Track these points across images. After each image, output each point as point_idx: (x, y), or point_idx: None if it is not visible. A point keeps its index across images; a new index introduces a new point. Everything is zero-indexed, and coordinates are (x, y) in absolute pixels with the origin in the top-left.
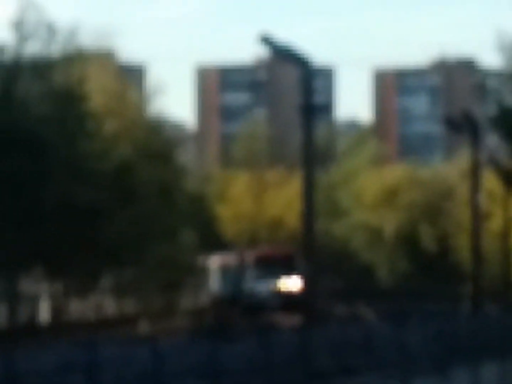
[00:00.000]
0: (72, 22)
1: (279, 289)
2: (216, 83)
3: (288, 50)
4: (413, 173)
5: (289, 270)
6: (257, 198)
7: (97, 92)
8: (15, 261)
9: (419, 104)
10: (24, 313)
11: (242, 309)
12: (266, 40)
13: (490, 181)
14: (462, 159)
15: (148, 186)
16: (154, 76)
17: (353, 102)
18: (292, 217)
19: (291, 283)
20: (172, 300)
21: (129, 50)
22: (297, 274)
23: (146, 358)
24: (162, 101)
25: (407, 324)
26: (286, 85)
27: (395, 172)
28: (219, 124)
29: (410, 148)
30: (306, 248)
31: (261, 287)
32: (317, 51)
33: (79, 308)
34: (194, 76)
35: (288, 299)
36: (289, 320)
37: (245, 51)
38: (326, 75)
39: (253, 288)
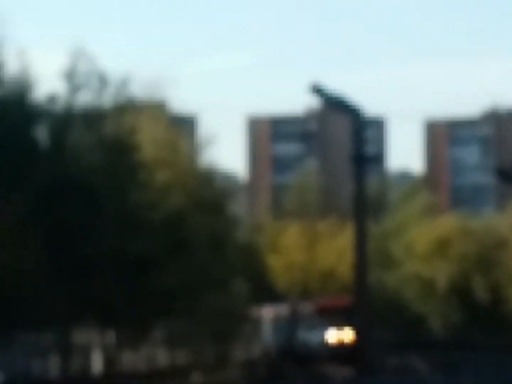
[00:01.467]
0: (124, 72)
1: (332, 340)
2: (268, 133)
3: (340, 100)
4: (465, 224)
5: (349, 321)
6: (309, 248)
7: (149, 142)
8: (68, 313)
9: (471, 154)
10: (76, 365)
11: (295, 361)
12: (317, 90)
13: None
14: None
15: (200, 237)
16: (206, 127)
17: (405, 153)
18: (344, 268)
19: (344, 334)
20: (224, 351)
21: (181, 101)
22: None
23: None
24: (214, 151)
25: (460, 374)
26: (337, 135)
27: (447, 223)
28: (270, 175)
29: (462, 199)
30: (358, 300)
31: (315, 338)
32: (368, 102)
33: (131, 359)
34: (246, 126)
35: (340, 350)
36: (342, 372)
37: (297, 101)
38: (377, 125)
39: (306, 339)
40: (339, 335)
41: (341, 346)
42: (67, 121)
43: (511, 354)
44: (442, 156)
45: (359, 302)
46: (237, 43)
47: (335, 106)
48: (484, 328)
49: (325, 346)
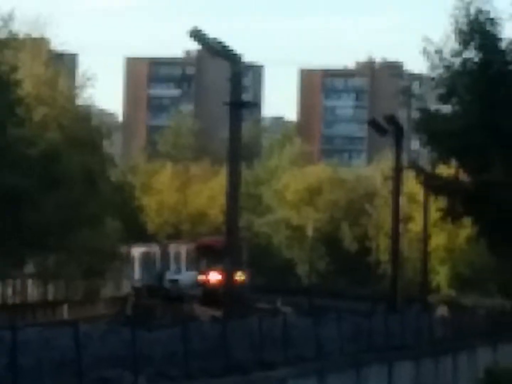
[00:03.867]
0: (6, 9)
1: (201, 281)
2: (145, 75)
3: (218, 46)
4: (335, 173)
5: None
6: (182, 190)
7: (28, 79)
8: None
9: (344, 105)
10: None
11: (163, 299)
12: (197, 35)
13: (412, 184)
14: (385, 162)
15: (75, 174)
16: (85, 66)
17: (280, 101)
18: (215, 211)
19: (213, 276)
20: (94, 287)
21: (62, 39)
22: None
23: (67, 344)
24: (92, 90)
25: (325, 320)
26: (214, 80)
27: (318, 172)
28: (146, 116)
29: (334, 149)
30: (228, 243)
31: (185, 279)
32: (247, 49)
33: (2, 292)
34: (124, 67)
35: (209, 291)
36: (210, 312)
37: (176, 45)
38: (254, 72)
39: (176, 279)
40: (213, 276)
41: (212, 287)
42: None
43: (375, 303)
44: (316, 105)
45: (229, 245)
46: None
47: (213, 51)
48: (350, 277)
49: (195, 286)
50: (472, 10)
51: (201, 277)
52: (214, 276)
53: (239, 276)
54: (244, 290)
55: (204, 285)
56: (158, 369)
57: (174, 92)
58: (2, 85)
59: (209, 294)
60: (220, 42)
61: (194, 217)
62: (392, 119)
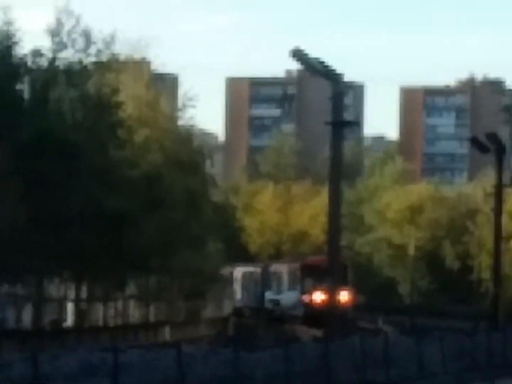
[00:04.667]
0: (108, 31)
1: (306, 301)
2: (247, 95)
3: (319, 65)
4: (437, 191)
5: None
6: (283, 211)
7: (130, 100)
8: (43, 265)
9: (445, 123)
10: (49, 317)
11: (265, 320)
12: (298, 55)
13: None
14: (486, 179)
15: (176, 195)
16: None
17: (381, 119)
18: (316, 231)
19: (317, 296)
20: (195, 308)
21: (163, 60)
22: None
23: (169, 365)
24: (193, 111)
25: (427, 339)
26: (315, 100)
27: (419, 190)
28: (247, 136)
29: (435, 167)
30: (331, 262)
31: (286, 299)
32: (347, 67)
33: (103, 314)
34: (225, 87)
35: (312, 311)
36: (313, 332)
37: (277, 65)
38: (355, 91)
39: (278, 299)
40: (318, 296)
41: (316, 308)
42: (51, 77)
43: (477, 321)
44: (417, 123)
45: (331, 264)
46: (221, 4)
47: (314, 71)
48: (452, 295)
49: (297, 306)
50: None
51: (306, 297)
52: (319, 296)
53: (343, 296)
54: (348, 309)
55: (308, 305)
56: None
57: (275, 112)
58: (104, 108)
59: (313, 315)
60: (321, 62)
61: (296, 236)
62: (493, 137)
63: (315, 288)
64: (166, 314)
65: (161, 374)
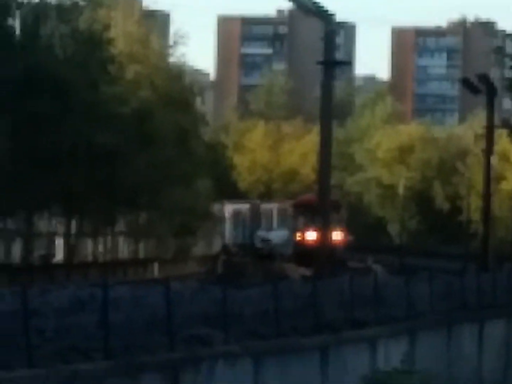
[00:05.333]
0: None
1: (298, 240)
2: (238, 33)
3: (311, 4)
4: (427, 132)
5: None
6: (273, 149)
7: (121, 37)
8: (33, 200)
9: (437, 64)
10: (39, 252)
11: (254, 257)
12: None
13: (504, 143)
14: (477, 120)
15: (167, 132)
16: (178, 24)
17: (372, 59)
18: (307, 170)
19: (310, 235)
20: (185, 246)
21: None
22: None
23: (157, 301)
24: (184, 49)
25: (416, 279)
26: (307, 39)
27: (410, 130)
28: (238, 75)
29: (426, 108)
30: (321, 201)
31: (276, 237)
32: (338, 7)
33: (93, 249)
34: (216, 26)
35: (304, 249)
36: (302, 271)
37: (268, 3)
38: (346, 31)
39: (267, 237)
40: (310, 235)
41: (306, 246)
42: (42, 12)
43: (466, 261)
44: (408, 64)
45: (321, 203)
46: None
47: (306, 10)
48: (442, 235)
49: (287, 244)
50: None
51: (298, 236)
52: (311, 235)
53: (336, 236)
54: (340, 249)
55: (300, 244)
56: (248, 328)
57: (266, 50)
58: (95, 44)
59: (304, 253)
60: (312, 1)
61: (286, 175)
62: (484, 78)
63: (307, 226)
64: (155, 251)
65: (150, 311)
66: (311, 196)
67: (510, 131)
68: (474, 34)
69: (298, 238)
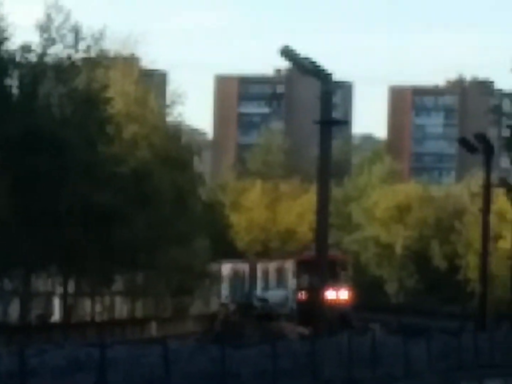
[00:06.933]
0: (97, 27)
1: (301, 298)
2: (235, 92)
3: (308, 64)
4: (424, 191)
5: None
6: (271, 208)
7: (118, 96)
8: (30, 259)
9: (434, 123)
10: (36, 311)
11: (252, 317)
12: (287, 53)
13: (501, 202)
14: (474, 179)
15: (165, 192)
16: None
17: (369, 118)
18: (304, 229)
19: (308, 294)
20: (183, 305)
21: (152, 57)
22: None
23: (155, 360)
24: (182, 108)
25: (414, 338)
26: (304, 98)
27: (407, 189)
28: (236, 134)
29: (423, 166)
30: (318, 260)
31: (274, 296)
32: (335, 66)
33: (91, 309)
34: (214, 85)
35: (305, 309)
36: (300, 330)
37: (265, 63)
38: (344, 90)
39: (265, 296)
40: (303, 294)
41: (306, 305)
42: (40, 72)
43: (464, 321)
44: (406, 123)
45: (319, 262)
46: (211, 2)
47: (303, 70)
48: (440, 295)
49: (284, 304)
50: None
51: (302, 294)
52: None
53: (344, 295)
54: (348, 309)
55: (304, 303)
56: None
57: (263, 110)
58: (93, 103)
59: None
60: (310, 60)
61: (283, 234)
62: (482, 137)
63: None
64: (153, 310)
65: (148, 370)
66: (314, 254)
67: (507, 190)
68: (471, 93)
69: (302, 297)
